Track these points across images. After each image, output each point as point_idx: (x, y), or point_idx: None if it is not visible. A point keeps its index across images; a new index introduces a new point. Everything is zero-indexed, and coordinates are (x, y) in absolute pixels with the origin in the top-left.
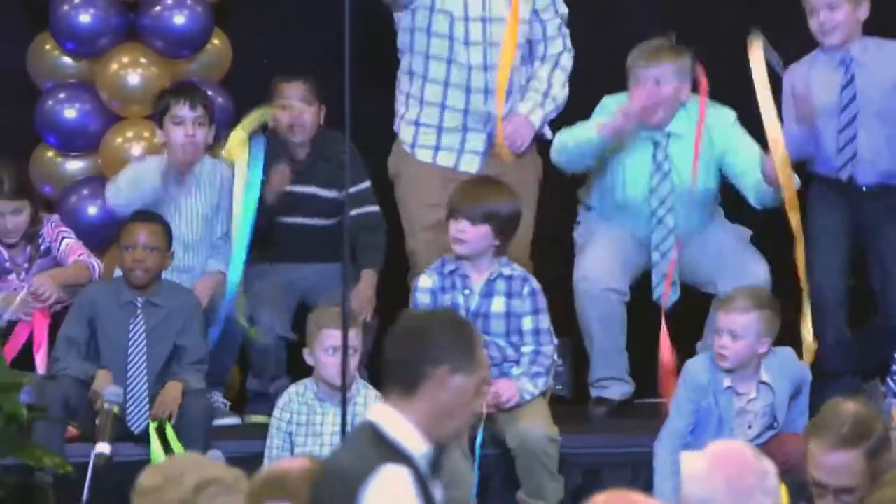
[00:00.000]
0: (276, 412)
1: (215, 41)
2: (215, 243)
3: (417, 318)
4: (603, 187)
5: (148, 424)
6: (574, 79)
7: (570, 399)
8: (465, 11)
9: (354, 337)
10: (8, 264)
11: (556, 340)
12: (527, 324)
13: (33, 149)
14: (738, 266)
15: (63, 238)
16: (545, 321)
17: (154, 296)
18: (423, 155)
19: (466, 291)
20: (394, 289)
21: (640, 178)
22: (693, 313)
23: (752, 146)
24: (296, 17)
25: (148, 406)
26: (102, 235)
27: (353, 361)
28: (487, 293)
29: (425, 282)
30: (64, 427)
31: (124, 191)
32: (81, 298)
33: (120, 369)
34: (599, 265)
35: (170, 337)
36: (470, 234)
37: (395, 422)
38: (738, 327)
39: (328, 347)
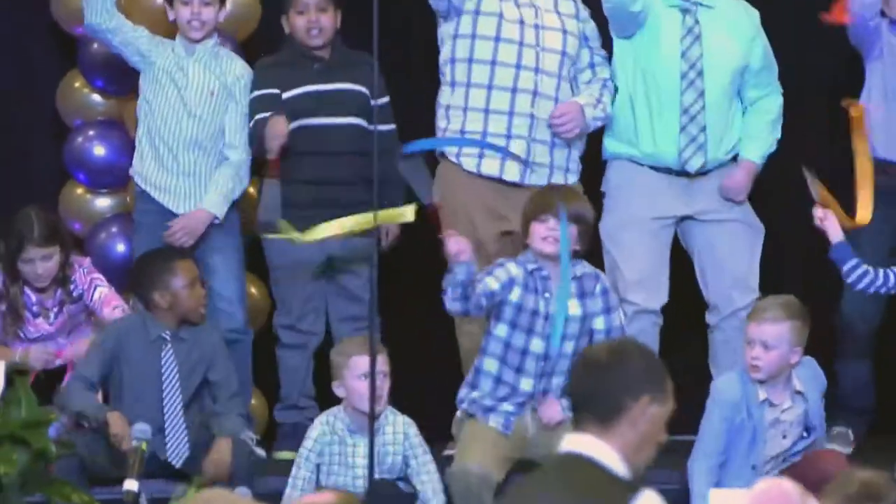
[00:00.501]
0: (306, 442)
1: None
2: (223, 153)
3: (610, 351)
4: (630, 91)
5: (187, 457)
6: None
7: None
8: (518, 15)
9: (384, 362)
10: (36, 308)
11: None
12: (599, 324)
13: (62, 186)
14: (731, 282)
15: (96, 286)
16: (617, 319)
17: (180, 330)
18: (469, 164)
19: (546, 295)
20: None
21: (671, 45)
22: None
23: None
24: None
25: (187, 438)
26: (130, 271)
27: (385, 386)
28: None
29: (515, 295)
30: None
31: None
32: (105, 337)
33: (150, 404)
34: (636, 274)
35: (199, 370)
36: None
37: (605, 453)
38: (770, 338)
39: (359, 374)
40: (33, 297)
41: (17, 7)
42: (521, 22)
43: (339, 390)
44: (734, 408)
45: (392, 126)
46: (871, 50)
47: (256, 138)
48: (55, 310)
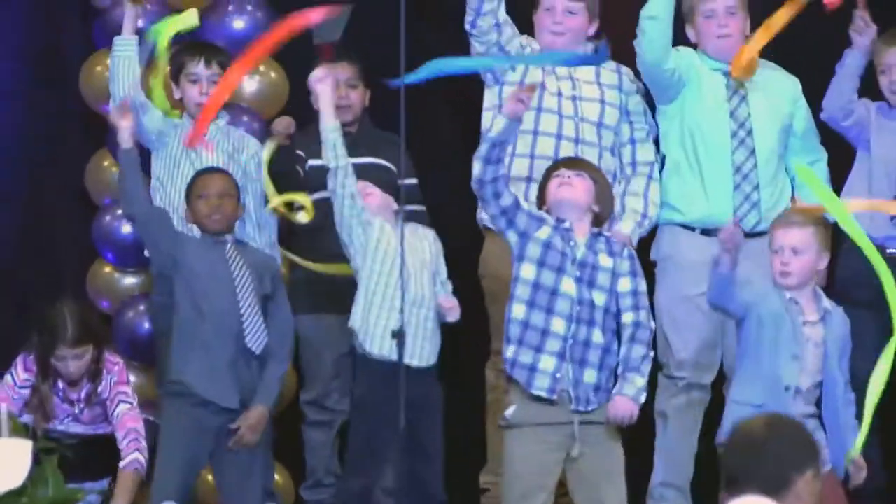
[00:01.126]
0: None
1: None
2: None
3: (766, 426)
4: (681, 147)
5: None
6: None
7: None
8: (557, 87)
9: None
10: (63, 394)
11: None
12: (625, 284)
13: (91, 264)
14: None
15: (120, 402)
16: (642, 284)
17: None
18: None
19: (571, 243)
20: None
21: (716, 106)
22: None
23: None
24: None
25: (264, 325)
26: (156, 351)
27: None
28: (591, 246)
29: (544, 233)
30: None
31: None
32: (163, 258)
33: (220, 300)
34: (687, 354)
35: (262, 277)
36: (576, 182)
37: None
38: (798, 243)
39: None
40: (60, 385)
41: (46, 86)
42: (559, 94)
43: None
44: (761, 296)
45: (422, 207)
46: (858, 141)
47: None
48: (81, 405)
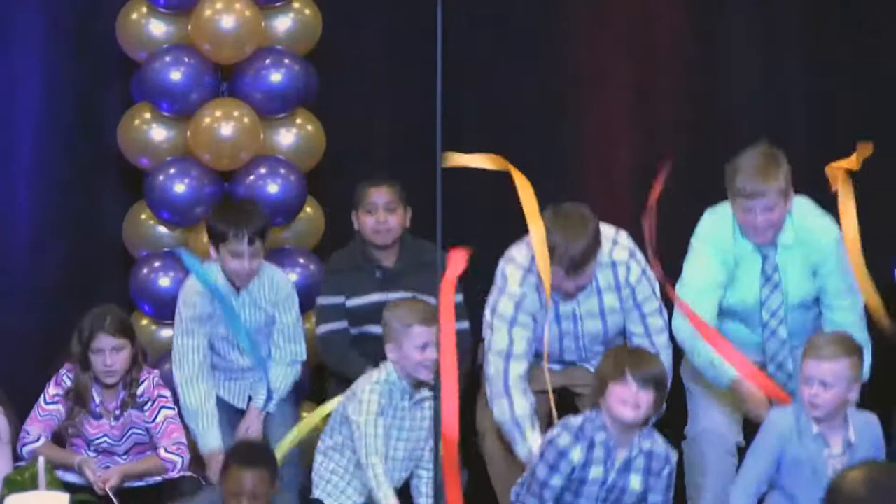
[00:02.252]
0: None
1: (308, 209)
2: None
3: (866, 483)
4: None
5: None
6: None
7: None
8: (555, 310)
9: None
10: (99, 409)
11: None
12: (655, 497)
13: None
14: None
15: (161, 408)
16: (670, 498)
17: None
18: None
19: (608, 463)
20: None
21: (749, 290)
22: None
23: (845, 277)
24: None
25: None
26: None
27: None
28: (625, 468)
29: (576, 455)
30: None
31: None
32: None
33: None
34: (718, 417)
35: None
36: (642, 400)
37: None
38: (828, 376)
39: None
40: (97, 399)
41: (83, 139)
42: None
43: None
44: (783, 439)
45: (466, 324)
46: None
47: (324, 353)
48: (116, 412)
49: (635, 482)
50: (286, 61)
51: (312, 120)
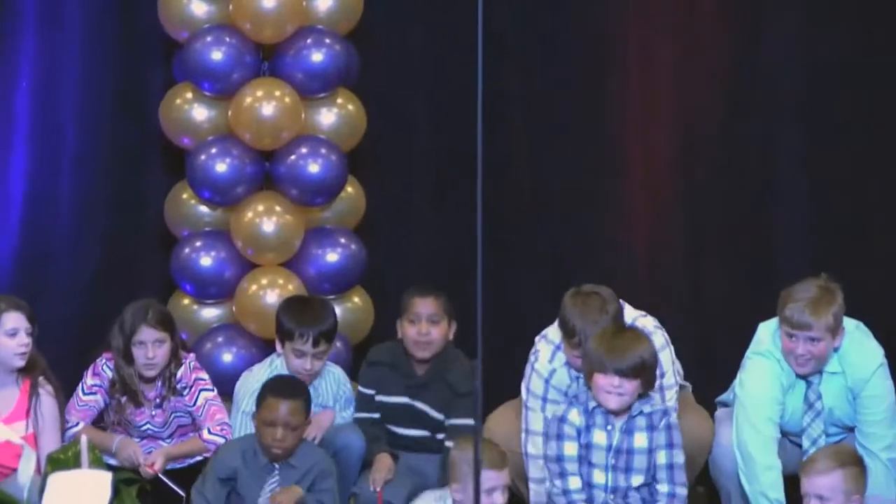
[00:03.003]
0: None
1: (349, 189)
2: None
3: None
4: None
5: None
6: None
7: None
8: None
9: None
10: (139, 398)
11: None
12: (661, 458)
13: (170, 296)
14: None
15: (200, 390)
16: (680, 456)
17: (291, 458)
18: None
19: (609, 427)
20: None
21: (792, 416)
22: None
23: (884, 402)
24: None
25: None
26: (236, 382)
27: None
28: (629, 429)
29: (575, 418)
30: None
31: None
32: (220, 461)
33: None
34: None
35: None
36: (626, 388)
37: None
38: (824, 490)
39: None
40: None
41: (126, 119)
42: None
43: (457, 494)
44: None
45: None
46: None
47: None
48: (157, 401)
49: (640, 439)
50: (327, 41)
51: (353, 99)
